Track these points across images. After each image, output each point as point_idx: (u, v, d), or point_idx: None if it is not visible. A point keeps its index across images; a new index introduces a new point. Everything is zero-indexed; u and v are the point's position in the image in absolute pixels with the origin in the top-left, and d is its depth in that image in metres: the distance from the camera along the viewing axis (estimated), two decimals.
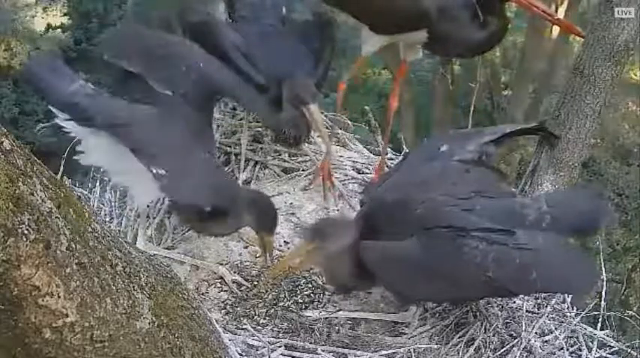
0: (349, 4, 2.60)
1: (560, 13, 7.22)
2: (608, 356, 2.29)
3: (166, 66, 2.40)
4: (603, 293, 2.39)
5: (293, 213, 2.71)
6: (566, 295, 2.39)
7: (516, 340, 2.20)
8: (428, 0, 2.44)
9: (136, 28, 2.82)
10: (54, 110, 2.19)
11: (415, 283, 2.07)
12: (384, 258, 2.07)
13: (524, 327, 2.21)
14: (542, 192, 2.55)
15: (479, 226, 1.95)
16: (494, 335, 2.23)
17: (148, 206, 2.57)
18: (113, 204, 2.77)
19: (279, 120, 2.53)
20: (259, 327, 2.26)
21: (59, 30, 10.66)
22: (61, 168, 1.33)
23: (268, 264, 2.39)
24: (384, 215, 2.14)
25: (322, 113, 3.29)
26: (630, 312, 2.62)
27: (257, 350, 2.10)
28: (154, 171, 2.08)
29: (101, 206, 2.76)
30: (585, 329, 2.34)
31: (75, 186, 2.76)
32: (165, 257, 2.39)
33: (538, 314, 2.34)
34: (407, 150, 3.16)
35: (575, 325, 2.31)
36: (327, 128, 2.85)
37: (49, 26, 10.79)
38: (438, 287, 2.04)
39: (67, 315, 1.15)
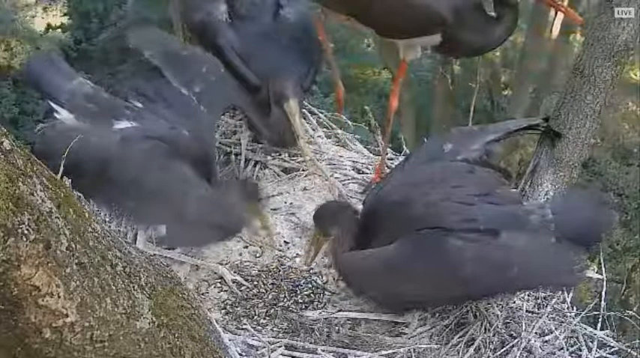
0: (357, 11, 2.57)
1: (561, 15, 7.22)
2: (608, 356, 2.29)
3: (187, 64, 2.45)
4: (603, 293, 2.39)
5: (293, 213, 2.71)
6: (564, 293, 2.39)
7: (516, 340, 2.20)
8: (441, 5, 2.42)
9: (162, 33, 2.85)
10: (53, 105, 2.20)
11: (396, 288, 2.07)
12: (361, 269, 2.10)
13: (524, 327, 2.22)
14: (548, 199, 2.54)
15: (464, 227, 1.96)
16: (494, 335, 2.23)
17: None
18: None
19: (269, 121, 2.57)
20: (259, 327, 2.26)
21: (59, 30, 10.66)
22: (61, 168, 1.32)
23: (271, 244, 2.45)
24: (385, 215, 2.15)
25: (321, 113, 3.32)
26: (630, 312, 2.62)
27: (257, 350, 2.10)
28: (153, 230, 2.18)
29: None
30: (585, 329, 2.34)
31: (75, 186, 2.75)
32: (165, 257, 2.39)
33: (538, 314, 2.34)
34: (407, 150, 3.16)
35: (575, 325, 2.31)
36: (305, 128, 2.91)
37: (49, 26, 10.79)
38: (418, 289, 2.04)
39: (67, 315, 1.15)
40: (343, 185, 2.88)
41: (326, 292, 2.40)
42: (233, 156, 2.99)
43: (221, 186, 2.35)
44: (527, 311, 2.31)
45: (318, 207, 2.33)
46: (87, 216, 1.23)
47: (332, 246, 2.21)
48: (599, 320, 2.38)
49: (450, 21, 2.43)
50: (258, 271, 2.47)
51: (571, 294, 2.41)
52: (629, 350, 2.31)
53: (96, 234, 1.24)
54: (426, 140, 2.60)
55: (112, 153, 2.09)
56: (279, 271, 2.46)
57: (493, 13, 2.53)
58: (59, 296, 1.13)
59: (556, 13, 6.62)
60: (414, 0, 2.45)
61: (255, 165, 2.98)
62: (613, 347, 2.31)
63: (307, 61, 2.76)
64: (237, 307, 2.34)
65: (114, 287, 1.26)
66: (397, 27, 2.54)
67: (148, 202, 2.13)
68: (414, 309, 2.27)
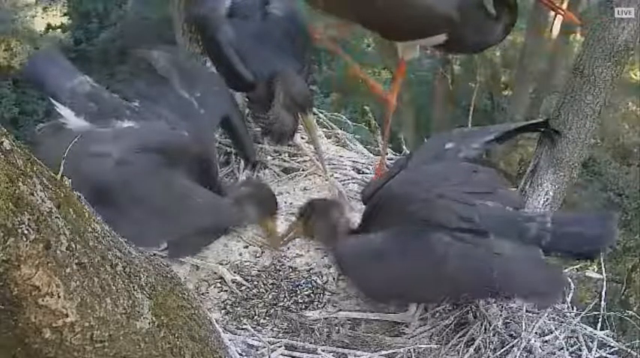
0: (362, 16, 2.56)
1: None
2: (608, 356, 2.29)
3: (191, 72, 2.50)
4: (603, 293, 2.39)
5: (293, 213, 2.71)
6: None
7: (516, 340, 2.19)
8: (448, 6, 2.42)
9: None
10: (53, 102, 2.21)
11: (379, 275, 2.09)
12: (350, 255, 2.15)
13: (524, 327, 2.21)
14: (550, 202, 2.54)
15: (458, 225, 1.97)
16: (494, 335, 2.23)
17: None
18: None
19: (266, 117, 2.58)
20: (259, 327, 2.26)
21: (59, 30, 10.67)
22: (61, 168, 1.32)
23: (276, 250, 2.48)
24: (385, 211, 2.17)
25: (321, 113, 3.33)
26: (630, 312, 2.62)
27: (257, 350, 2.10)
28: (155, 247, 2.14)
29: None
30: (585, 329, 2.34)
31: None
32: (166, 257, 2.39)
33: (538, 314, 2.33)
34: (407, 150, 3.16)
35: (575, 325, 2.31)
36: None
37: (49, 26, 10.79)
38: (399, 278, 2.06)
39: (67, 315, 1.15)
40: (343, 185, 2.88)
41: (326, 292, 2.39)
42: (233, 156, 2.99)
43: (223, 186, 2.36)
44: (527, 311, 2.30)
45: (307, 202, 2.39)
46: (87, 216, 1.23)
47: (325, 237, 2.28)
48: (599, 320, 2.37)
49: (456, 21, 2.44)
50: (258, 271, 2.47)
51: (571, 294, 2.41)
52: (629, 350, 2.31)
53: (96, 234, 1.23)
54: (426, 139, 2.61)
55: (107, 180, 2.05)
56: (279, 271, 2.47)
57: (493, 11, 2.54)
58: (59, 296, 1.13)
59: (556, 14, 6.63)
60: (422, 2, 2.45)
61: (255, 165, 2.98)
62: (613, 347, 2.31)
63: (301, 57, 2.78)
64: (237, 307, 2.34)
65: (114, 287, 1.25)
66: (404, 30, 2.54)
67: (145, 225, 2.12)
68: (398, 301, 2.29)
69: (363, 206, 2.36)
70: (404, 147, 3.26)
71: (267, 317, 2.30)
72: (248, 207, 2.34)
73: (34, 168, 1.11)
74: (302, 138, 3.04)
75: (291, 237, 2.41)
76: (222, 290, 2.39)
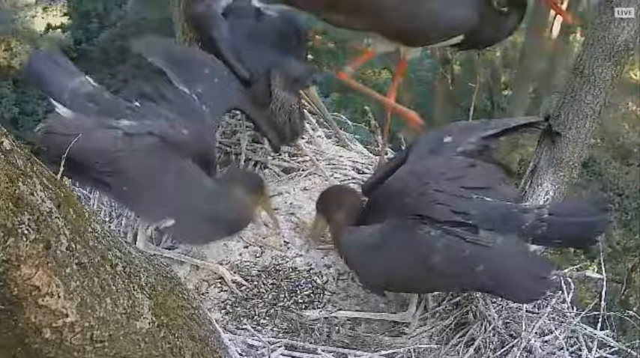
0: (383, 26, 2.54)
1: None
2: (608, 356, 2.29)
3: (190, 66, 2.47)
4: (603, 293, 2.39)
5: (293, 213, 2.71)
6: (564, 293, 2.39)
7: (516, 340, 2.20)
8: (469, 10, 2.43)
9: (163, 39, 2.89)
10: (53, 102, 2.21)
11: (374, 266, 2.12)
12: (348, 245, 2.18)
13: (524, 327, 2.22)
14: (550, 201, 2.55)
15: (452, 219, 1.99)
16: (494, 335, 2.23)
17: None
18: (113, 204, 2.76)
19: (270, 111, 2.58)
20: (259, 327, 2.26)
21: (59, 30, 10.65)
22: (61, 168, 1.32)
23: (276, 229, 2.49)
24: (384, 204, 2.19)
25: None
26: (630, 312, 2.62)
27: (257, 350, 2.10)
28: (161, 226, 2.17)
29: (101, 206, 2.75)
30: (585, 329, 2.34)
31: (75, 186, 2.75)
32: (165, 257, 2.39)
33: (538, 314, 2.34)
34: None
35: (575, 325, 2.31)
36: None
37: (49, 26, 10.77)
38: (391, 270, 2.09)
39: (67, 315, 1.15)
40: None
41: (326, 292, 2.40)
42: (233, 156, 2.99)
43: (222, 182, 2.36)
44: (527, 311, 2.31)
45: (322, 193, 2.41)
46: (87, 216, 1.23)
47: (334, 228, 2.30)
48: (599, 320, 2.38)
49: (476, 22, 2.45)
50: (258, 271, 2.47)
51: (571, 294, 2.41)
52: (629, 350, 2.31)
53: (96, 234, 1.24)
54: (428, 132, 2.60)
55: (117, 147, 2.09)
56: (279, 271, 2.47)
57: (501, 7, 2.56)
58: (59, 296, 1.13)
59: (556, 14, 6.64)
60: (444, 8, 2.45)
61: (255, 165, 2.98)
62: (613, 347, 2.31)
63: (297, 56, 2.78)
64: (237, 307, 2.34)
65: (114, 287, 1.26)
66: (427, 36, 2.55)
67: (153, 196, 2.14)
68: (393, 292, 2.32)
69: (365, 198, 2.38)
70: (403, 147, 3.25)
71: (267, 317, 2.30)
72: (236, 189, 2.30)
73: (34, 168, 1.11)
74: (302, 138, 3.04)
75: (319, 231, 2.43)
76: (222, 290, 2.39)
